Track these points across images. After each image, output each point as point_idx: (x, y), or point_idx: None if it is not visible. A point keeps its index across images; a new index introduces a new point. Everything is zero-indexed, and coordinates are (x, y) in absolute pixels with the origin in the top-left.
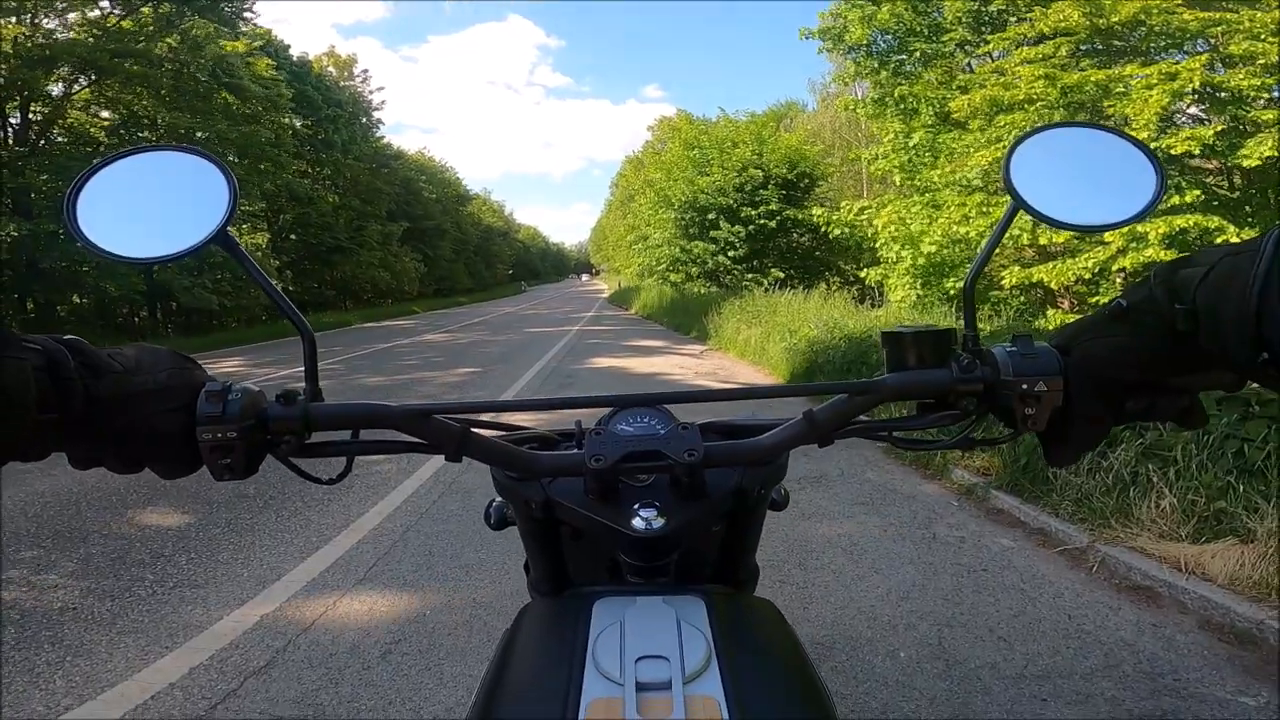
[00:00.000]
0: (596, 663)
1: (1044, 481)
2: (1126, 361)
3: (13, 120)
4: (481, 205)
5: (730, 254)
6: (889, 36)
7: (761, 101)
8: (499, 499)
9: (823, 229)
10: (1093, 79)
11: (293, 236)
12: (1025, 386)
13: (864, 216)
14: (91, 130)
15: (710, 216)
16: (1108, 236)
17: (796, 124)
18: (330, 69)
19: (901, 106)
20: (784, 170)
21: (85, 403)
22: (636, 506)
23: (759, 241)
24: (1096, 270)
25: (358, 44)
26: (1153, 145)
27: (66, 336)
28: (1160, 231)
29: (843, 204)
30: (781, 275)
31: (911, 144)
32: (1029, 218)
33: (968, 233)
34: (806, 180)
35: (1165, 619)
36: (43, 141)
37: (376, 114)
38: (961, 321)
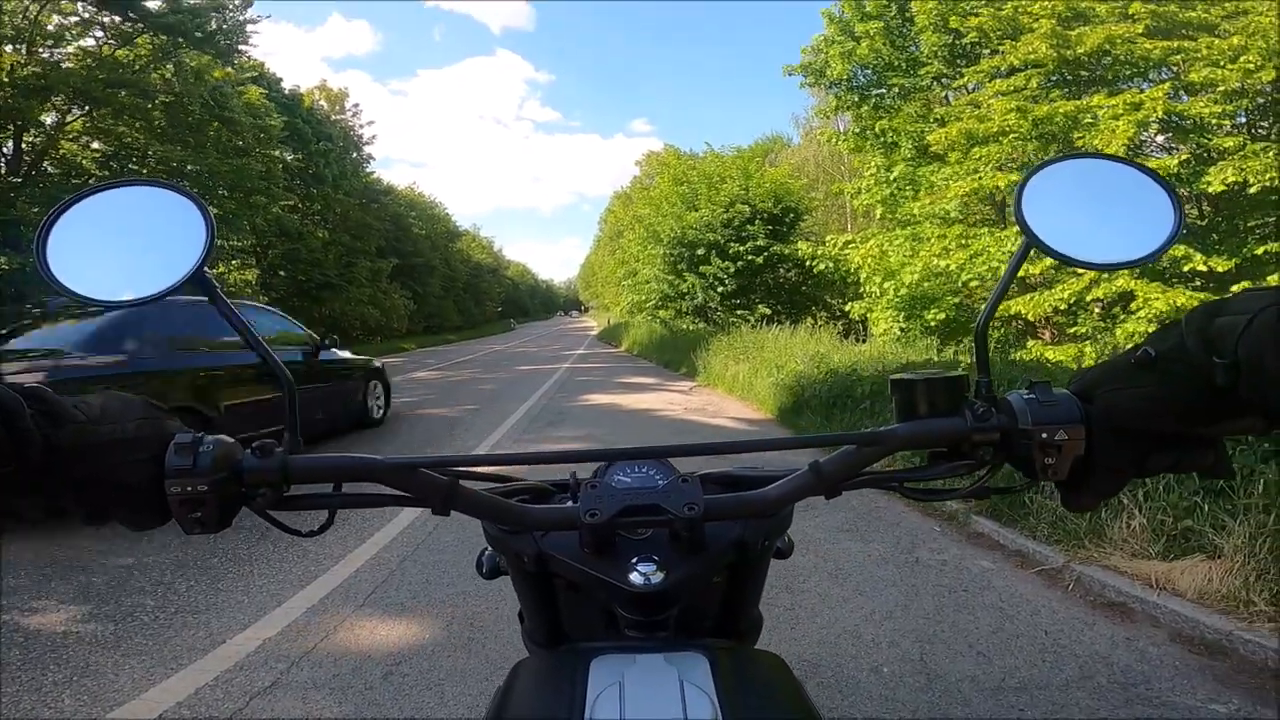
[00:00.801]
0: None
1: (1021, 506)
2: (1154, 411)
3: (5, 150)
4: (471, 242)
5: (719, 289)
6: (868, 71)
7: (748, 135)
8: (491, 549)
9: (808, 264)
10: (1062, 110)
11: (282, 273)
12: (1045, 435)
13: (847, 251)
14: (83, 161)
15: (699, 252)
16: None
17: (781, 158)
18: (322, 103)
19: (882, 140)
20: (769, 205)
21: (44, 452)
22: (635, 561)
23: (746, 277)
24: (1073, 301)
25: (347, 77)
26: None
27: (28, 385)
28: None
29: (827, 238)
30: (768, 311)
31: (892, 177)
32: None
33: (948, 265)
34: (791, 215)
35: (1138, 633)
36: (34, 172)
37: (367, 149)
38: (958, 362)
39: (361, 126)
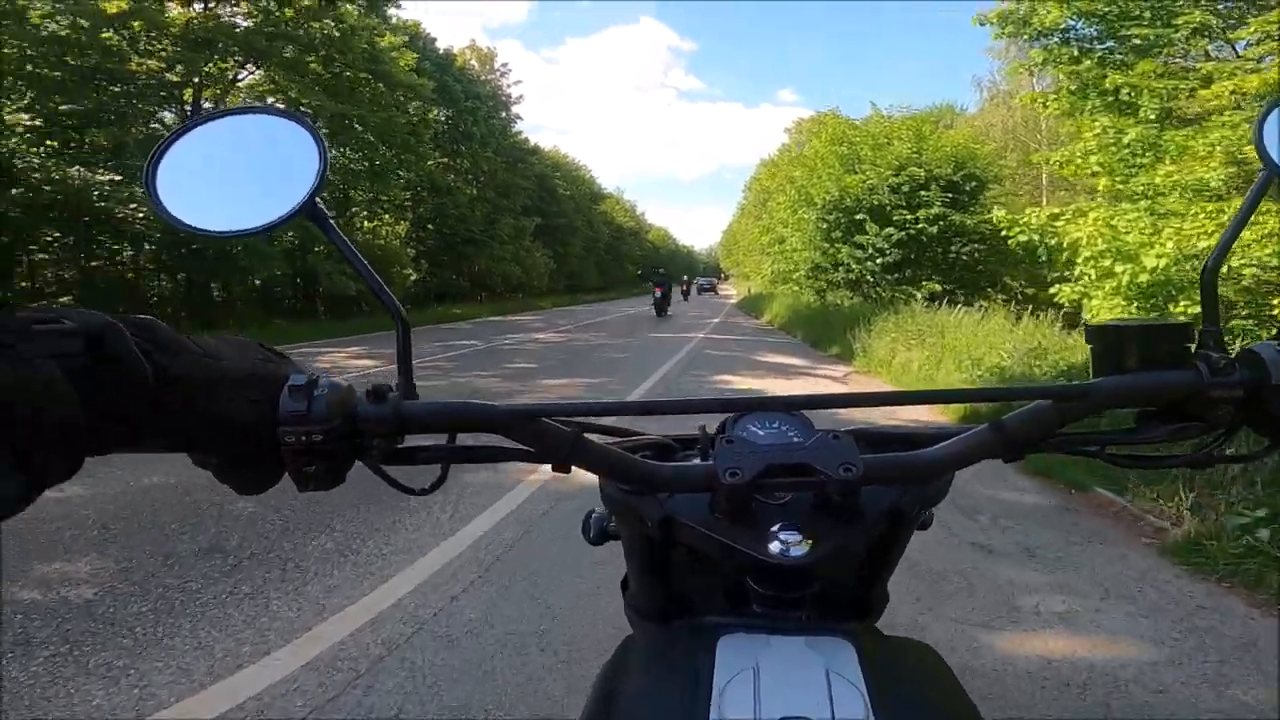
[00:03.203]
0: (724, 718)
1: None
2: None
3: (187, 107)
4: (614, 204)
5: (879, 261)
6: (1095, 20)
7: (909, 104)
8: (599, 510)
9: (1004, 234)
10: None
11: (429, 226)
12: None
13: (1059, 224)
14: None
15: (857, 218)
16: None
17: (957, 124)
18: (473, 63)
19: (1112, 100)
20: (948, 170)
21: (156, 381)
22: (776, 529)
23: (913, 249)
24: None
25: (503, 45)
26: None
27: (140, 317)
28: None
29: (1027, 209)
30: (939, 288)
31: (1126, 141)
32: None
33: (1209, 247)
34: (974, 183)
35: None
36: None
37: (515, 108)
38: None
39: (509, 86)
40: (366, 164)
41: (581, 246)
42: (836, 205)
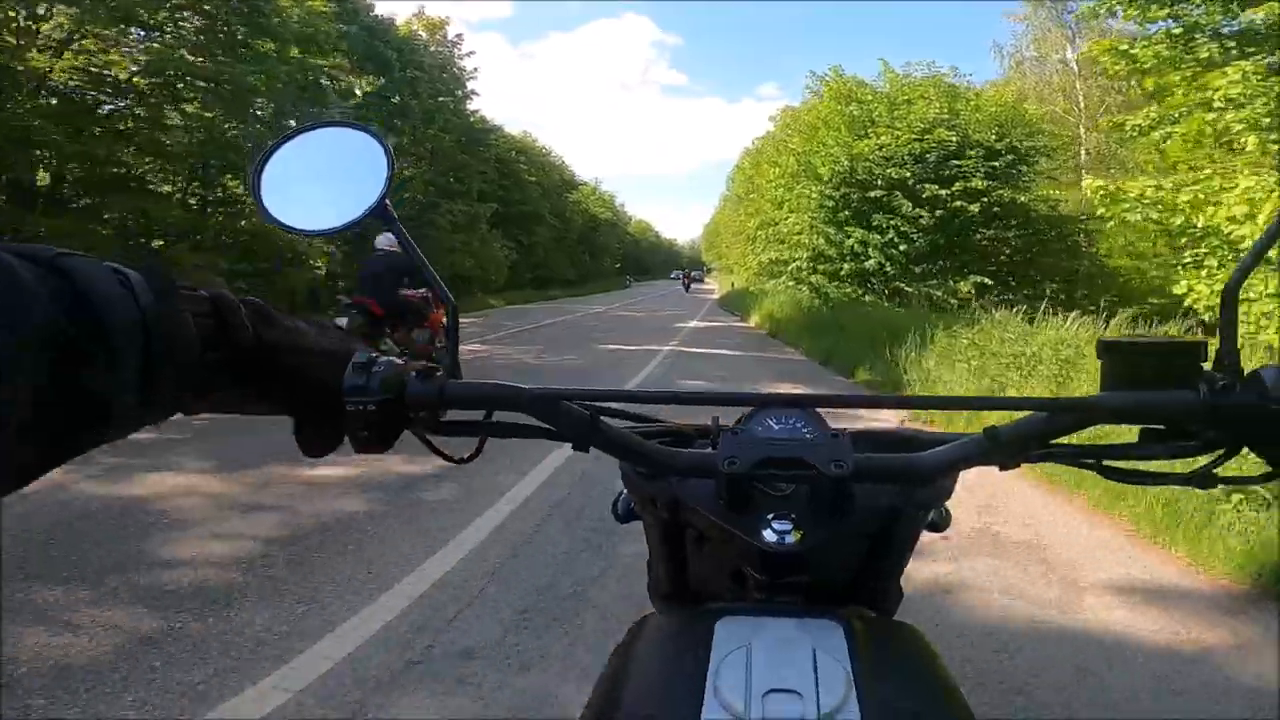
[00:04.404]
0: (718, 693)
1: None
2: None
3: None
4: (590, 194)
5: (902, 248)
6: None
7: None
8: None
9: (1102, 213)
10: None
11: None
12: None
13: (1181, 197)
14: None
15: (873, 194)
16: None
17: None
18: (420, 32)
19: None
20: (990, 137)
21: (254, 346)
22: (771, 518)
23: (947, 233)
24: None
25: (485, 38)
26: None
27: (250, 298)
28: None
29: (1125, 181)
30: (989, 283)
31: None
32: None
33: None
34: (1011, 155)
35: None
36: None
37: (470, 83)
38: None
39: (461, 57)
40: (239, 133)
41: (550, 237)
42: (846, 179)
